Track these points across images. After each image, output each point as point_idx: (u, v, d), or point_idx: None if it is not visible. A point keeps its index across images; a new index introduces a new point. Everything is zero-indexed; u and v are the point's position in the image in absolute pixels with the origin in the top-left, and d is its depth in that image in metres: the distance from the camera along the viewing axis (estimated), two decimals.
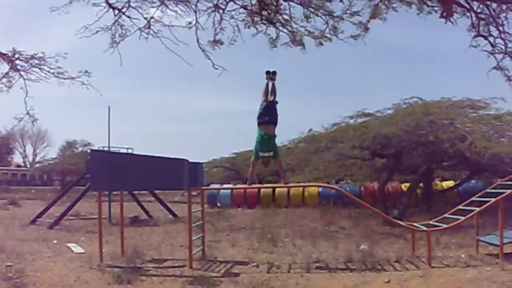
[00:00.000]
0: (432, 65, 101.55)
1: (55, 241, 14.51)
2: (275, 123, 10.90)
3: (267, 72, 11.29)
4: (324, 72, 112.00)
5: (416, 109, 17.10)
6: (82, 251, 12.70)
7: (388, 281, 8.92)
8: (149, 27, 12.32)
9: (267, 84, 11.22)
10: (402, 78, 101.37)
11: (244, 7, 12.08)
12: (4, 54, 15.20)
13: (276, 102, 11.10)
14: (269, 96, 11.11)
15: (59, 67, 15.64)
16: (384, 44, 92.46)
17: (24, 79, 15.60)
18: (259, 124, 10.75)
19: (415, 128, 15.96)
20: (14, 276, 8.93)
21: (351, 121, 19.40)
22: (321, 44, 12.32)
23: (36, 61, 15.49)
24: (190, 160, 12.00)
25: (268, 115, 10.78)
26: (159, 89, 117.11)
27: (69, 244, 13.77)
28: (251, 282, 9.04)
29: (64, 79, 15.80)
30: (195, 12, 12.09)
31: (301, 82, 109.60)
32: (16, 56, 15.33)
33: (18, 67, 15.48)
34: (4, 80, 15.53)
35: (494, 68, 12.73)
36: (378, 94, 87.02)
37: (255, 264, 10.74)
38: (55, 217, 19.46)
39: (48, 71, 15.63)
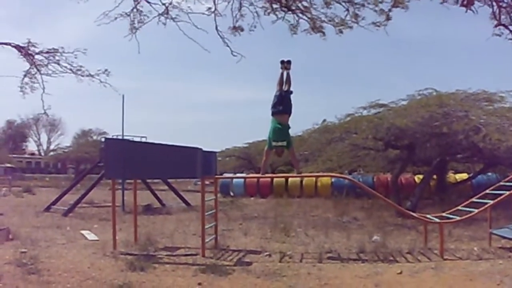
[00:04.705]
0: (448, 57, 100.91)
1: (68, 228, 14.65)
2: (289, 113, 10.87)
3: (282, 62, 11.24)
4: (338, 62, 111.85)
5: (430, 101, 16.94)
6: (96, 238, 12.81)
7: (400, 272, 8.91)
8: (167, 13, 12.28)
9: (282, 74, 11.17)
10: (417, 69, 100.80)
11: None
12: (22, 47, 15.23)
13: (291, 92, 11.06)
14: (283, 86, 11.08)
15: (80, 66, 15.67)
16: (399, 35, 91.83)
17: (42, 74, 15.65)
18: (273, 113, 10.73)
19: (429, 120, 15.81)
20: (28, 262, 9.01)
21: (365, 112, 19.28)
22: (341, 32, 12.13)
23: (55, 56, 15.51)
24: (204, 149, 12.03)
25: (282, 105, 10.76)
26: (173, 78, 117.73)
27: (83, 232, 13.89)
28: (263, 271, 9.08)
29: (83, 76, 15.84)
30: None
31: (315, 72, 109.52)
32: (33, 49, 15.36)
33: (36, 61, 15.52)
34: (26, 79, 15.58)
35: None
36: (392, 85, 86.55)
37: (267, 253, 10.77)
38: (69, 204, 19.65)
39: (66, 67, 15.66)
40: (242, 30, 12.32)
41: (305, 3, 12.08)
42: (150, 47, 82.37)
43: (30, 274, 8.38)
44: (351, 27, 12.03)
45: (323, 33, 12.38)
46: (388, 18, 11.57)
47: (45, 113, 16.35)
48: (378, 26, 11.78)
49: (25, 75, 15.50)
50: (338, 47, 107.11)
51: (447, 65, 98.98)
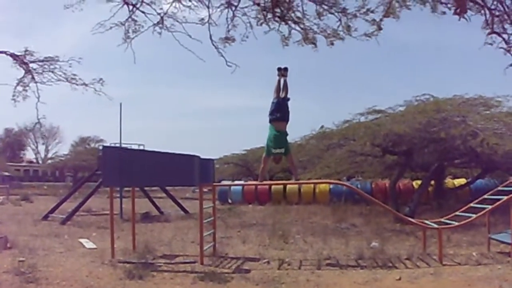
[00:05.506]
0: (445, 63, 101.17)
1: (66, 237, 14.61)
2: (287, 120, 10.89)
3: (279, 69, 11.28)
4: (335, 69, 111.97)
5: (427, 107, 16.98)
6: (94, 246, 12.77)
7: (399, 279, 8.90)
8: (162, 23, 12.32)
9: (279, 81, 11.21)
10: (414, 75, 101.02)
11: (257, 4, 12.04)
12: (17, 56, 15.22)
13: (288, 99, 11.08)
14: (280, 93, 11.09)
15: (73, 74, 15.71)
16: (396, 41, 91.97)
17: (36, 82, 15.63)
18: (270, 120, 10.75)
19: (426, 126, 15.85)
20: (26, 271, 8.97)
21: (362, 118, 19.33)
22: (332, 44, 12.24)
23: (50, 65, 15.51)
24: (201, 157, 12.03)
25: (279, 112, 10.77)
26: (171, 85, 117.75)
27: (81, 240, 13.85)
28: (261, 279, 9.06)
29: (77, 84, 15.86)
30: (208, 8, 12.10)
31: (312, 79, 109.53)
32: (28, 58, 15.36)
33: (31, 69, 15.50)
34: (19, 88, 15.55)
35: (511, 65, 12.56)
36: (389, 91, 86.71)
37: (266, 260, 10.75)
38: (67, 212, 19.61)
39: (61, 75, 15.67)
40: (233, 40, 12.36)
41: (298, 14, 12.15)
42: (147, 54, 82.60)
43: (28, 283, 8.35)
44: (342, 39, 12.10)
45: (315, 44, 12.43)
46: (380, 27, 11.64)
47: (38, 122, 16.33)
48: (370, 37, 11.87)
49: (18, 83, 15.47)
50: (334, 54, 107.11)
51: (444, 70, 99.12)
